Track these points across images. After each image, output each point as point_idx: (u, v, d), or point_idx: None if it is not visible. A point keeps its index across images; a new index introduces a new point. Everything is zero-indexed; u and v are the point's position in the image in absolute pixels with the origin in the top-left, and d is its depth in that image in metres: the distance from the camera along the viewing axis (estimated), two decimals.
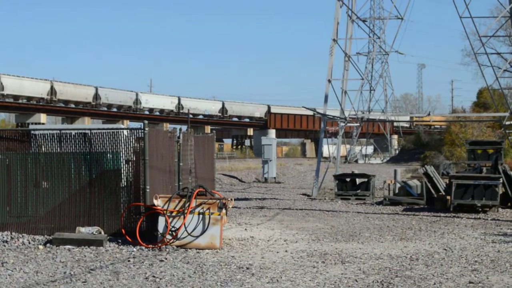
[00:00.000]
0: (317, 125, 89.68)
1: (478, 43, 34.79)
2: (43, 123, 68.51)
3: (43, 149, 15.46)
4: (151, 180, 14.93)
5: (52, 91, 75.64)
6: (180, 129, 18.13)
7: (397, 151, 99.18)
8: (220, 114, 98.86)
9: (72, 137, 15.26)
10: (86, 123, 72.75)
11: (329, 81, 31.47)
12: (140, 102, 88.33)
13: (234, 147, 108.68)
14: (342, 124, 33.26)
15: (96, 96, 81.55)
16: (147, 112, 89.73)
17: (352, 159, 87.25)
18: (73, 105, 79.40)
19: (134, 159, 15.06)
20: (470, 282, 10.62)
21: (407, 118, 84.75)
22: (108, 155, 15.09)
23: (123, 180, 15.10)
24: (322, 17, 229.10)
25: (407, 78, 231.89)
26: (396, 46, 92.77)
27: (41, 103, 74.30)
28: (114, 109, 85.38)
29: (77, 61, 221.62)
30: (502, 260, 12.64)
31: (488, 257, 12.98)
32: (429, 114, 42.54)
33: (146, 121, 15.20)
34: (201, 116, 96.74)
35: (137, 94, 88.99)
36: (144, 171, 14.80)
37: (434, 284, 10.53)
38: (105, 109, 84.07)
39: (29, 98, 73.30)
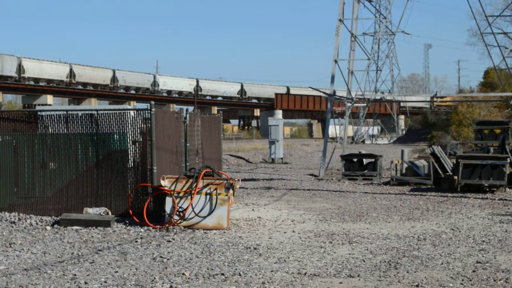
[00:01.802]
0: (324, 105, 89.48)
1: (485, 23, 34.60)
2: (49, 105, 68.74)
3: (50, 130, 15.45)
4: (158, 160, 14.92)
5: (71, 73, 76.23)
6: (187, 110, 18.07)
7: (404, 132, 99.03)
8: (239, 96, 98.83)
9: (79, 118, 15.25)
10: (92, 105, 73.10)
11: (336, 61, 31.37)
12: (158, 84, 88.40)
13: (241, 127, 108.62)
14: (349, 104, 33.21)
15: (114, 79, 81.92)
16: (165, 94, 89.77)
17: (359, 139, 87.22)
18: (91, 88, 79.86)
19: (141, 139, 15.05)
20: (477, 262, 10.60)
21: (415, 98, 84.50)
22: (115, 136, 15.08)
23: (130, 161, 15.10)
24: None
25: (413, 58, 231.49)
26: (402, 26, 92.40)
27: (60, 86, 74.97)
28: (132, 91, 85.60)
29: (95, 46, 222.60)
30: (509, 240, 12.62)
31: (496, 237, 12.96)
32: (435, 95, 42.34)
33: (152, 102, 15.18)
34: (220, 98, 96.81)
35: (154, 77, 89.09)
36: (151, 151, 14.80)
37: (442, 264, 10.52)
38: (123, 91, 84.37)
39: (49, 81, 74.06)
